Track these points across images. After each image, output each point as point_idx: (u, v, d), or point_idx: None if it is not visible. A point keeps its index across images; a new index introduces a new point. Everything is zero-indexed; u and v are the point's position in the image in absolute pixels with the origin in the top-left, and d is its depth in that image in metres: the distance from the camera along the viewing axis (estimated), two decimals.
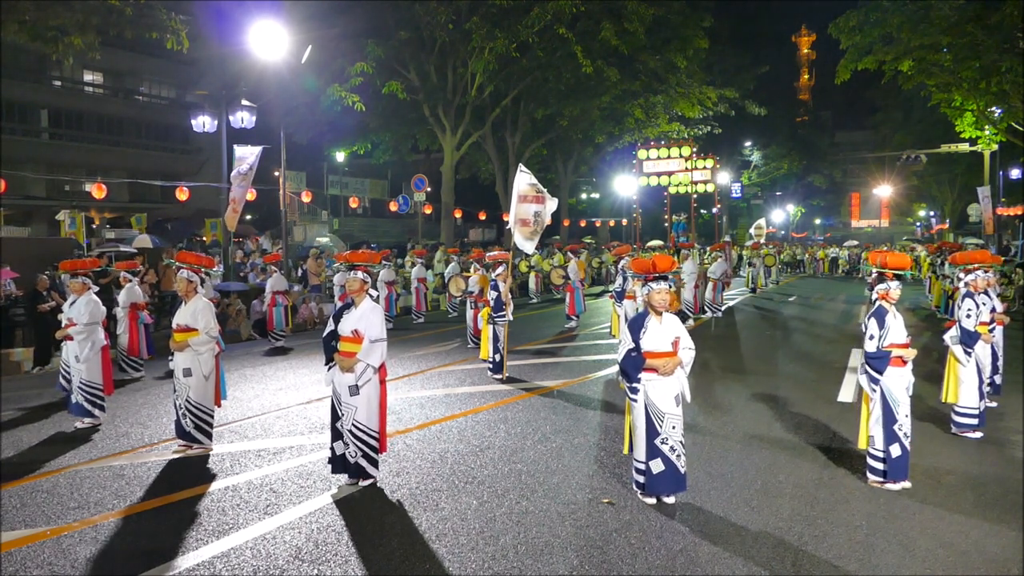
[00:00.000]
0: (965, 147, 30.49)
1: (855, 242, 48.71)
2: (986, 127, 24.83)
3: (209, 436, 6.88)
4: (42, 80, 35.22)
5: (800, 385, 9.69)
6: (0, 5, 11.94)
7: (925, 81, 22.03)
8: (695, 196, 36.91)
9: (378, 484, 5.82)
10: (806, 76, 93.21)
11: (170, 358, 7.17)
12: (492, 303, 10.27)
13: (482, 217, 42.14)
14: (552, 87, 25.50)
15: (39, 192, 33.84)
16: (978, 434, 7.01)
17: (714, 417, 7.91)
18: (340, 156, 34.92)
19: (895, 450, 5.59)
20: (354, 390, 5.64)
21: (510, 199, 10.59)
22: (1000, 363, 8.12)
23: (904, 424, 5.61)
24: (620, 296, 12.43)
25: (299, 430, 7.60)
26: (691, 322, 15.72)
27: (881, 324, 5.68)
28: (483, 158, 32.38)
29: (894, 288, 5.76)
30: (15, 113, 33.83)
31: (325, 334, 5.90)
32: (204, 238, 25.74)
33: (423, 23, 22.56)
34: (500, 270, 10.59)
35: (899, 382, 5.64)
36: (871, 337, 5.70)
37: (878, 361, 5.66)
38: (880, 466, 5.66)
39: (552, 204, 10.30)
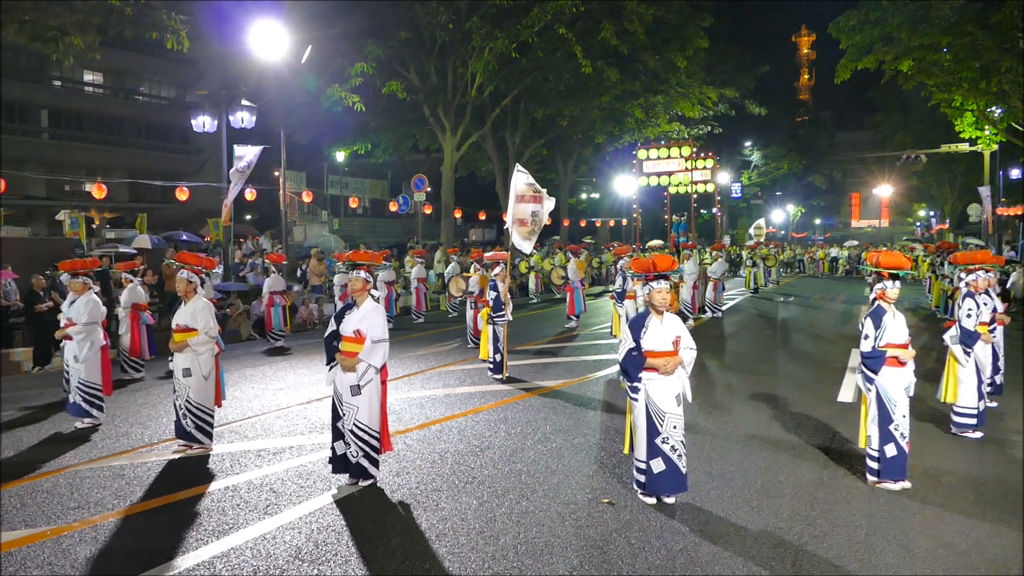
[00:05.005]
0: (965, 147, 30.49)
1: (855, 242, 48.71)
2: (986, 127, 24.84)
3: (210, 436, 6.88)
4: (42, 80, 35.23)
5: (800, 385, 9.69)
6: (0, 5, 11.94)
7: (925, 81, 22.02)
8: (695, 196, 36.93)
9: (378, 484, 5.82)
10: (806, 76, 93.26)
11: (170, 358, 7.17)
12: (491, 303, 10.27)
13: (482, 217, 42.14)
14: (552, 87, 25.49)
15: (39, 192, 33.85)
16: (978, 434, 7.01)
17: (714, 417, 7.91)
18: (340, 156, 34.87)
19: (890, 450, 5.59)
20: (356, 390, 5.64)
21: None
22: (1001, 363, 8.12)
23: (901, 424, 5.60)
24: (621, 296, 12.44)
25: (299, 430, 7.60)
26: (691, 322, 15.73)
27: (877, 324, 5.68)
28: (483, 158, 32.36)
29: (891, 288, 5.75)
30: (15, 113, 33.84)
31: (327, 334, 5.90)
32: (207, 238, 25.76)
33: (423, 23, 22.54)
34: (498, 270, 10.60)
35: (896, 382, 5.64)
36: (866, 337, 5.70)
37: (873, 361, 5.66)
38: (875, 465, 5.66)
39: (550, 204, 10.29)
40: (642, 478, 5.33)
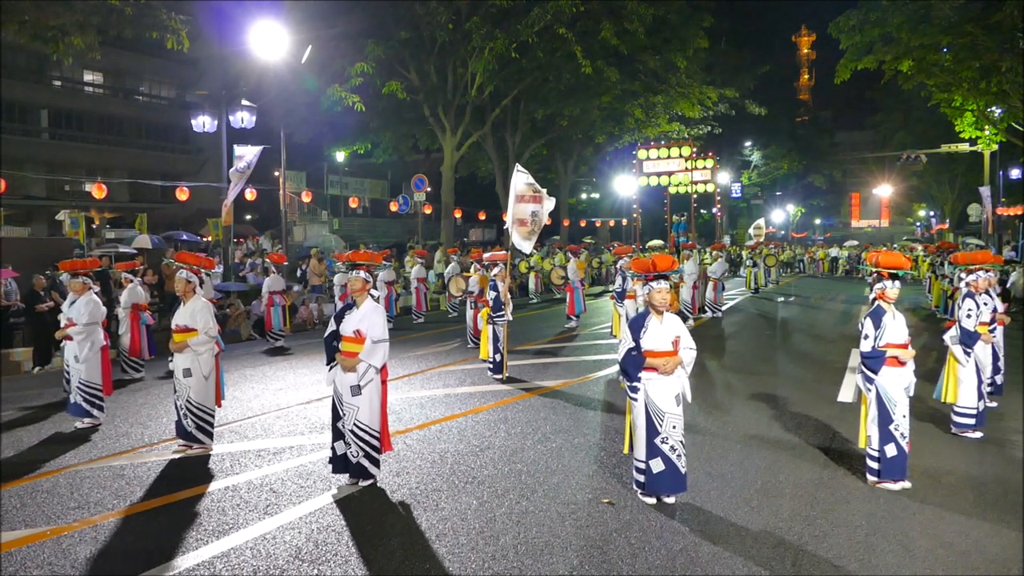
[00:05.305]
0: (965, 147, 30.48)
1: (855, 242, 48.73)
2: (986, 127, 24.82)
3: (210, 436, 6.88)
4: (42, 80, 35.24)
5: (800, 385, 9.69)
6: (0, 5, 11.94)
7: (925, 81, 22.00)
8: (695, 196, 36.93)
9: (378, 484, 5.82)
10: (806, 76, 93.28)
11: (170, 359, 7.17)
12: (491, 303, 10.27)
13: (482, 217, 42.15)
14: (552, 87, 25.50)
15: (39, 192, 33.86)
16: (978, 434, 7.01)
17: (714, 417, 7.91)
18: (340, 156, 34.89)
19: (890, 450, 5.59)
20: (356, 390, 5.64)
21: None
22: (1001, 363, 8.12)
23: (901, 424, 5.60)
24: (621, 296, 12.44)
25: (299, 430, 7.60)
26: (691, 322, 15.72)
27: (877, 324, 5.67)
28: (483, 158, 32.37)
29: (891, 287, 5.74)
30: (15, 113, 33.84)
31: (327, 334, 5.90)
32: (208, 238, 25.75)
33: (423, 23, 22.53)
34: (496, 270, 10.60)
35: (896, 382, 5.64)
36: (866, 337, 5.70)
37: (873, 361, 5.65)
38: (875, 465, 5.66)
39: (550, 204, 10.29)
40: (642, 478, 5.33)
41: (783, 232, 61.62)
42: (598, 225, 47.69)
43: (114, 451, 6.96)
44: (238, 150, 17.59)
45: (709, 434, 7.21)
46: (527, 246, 10.40)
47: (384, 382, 5.83)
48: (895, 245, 39.21)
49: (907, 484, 5.62)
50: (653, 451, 5.22)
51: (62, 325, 8.04)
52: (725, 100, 31.77)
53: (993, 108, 22.96)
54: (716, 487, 5.71)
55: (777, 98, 49.30)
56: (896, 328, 5.67)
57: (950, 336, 7.10)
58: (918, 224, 65.95)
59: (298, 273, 21.53)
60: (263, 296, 14.46)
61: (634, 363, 5.28)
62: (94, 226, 29.09)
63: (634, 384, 5.29)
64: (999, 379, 8.07)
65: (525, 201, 10.18)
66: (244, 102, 18.41)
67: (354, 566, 4.45)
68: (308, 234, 32.54)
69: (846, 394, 8.93)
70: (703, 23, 27.60)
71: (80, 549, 4.74)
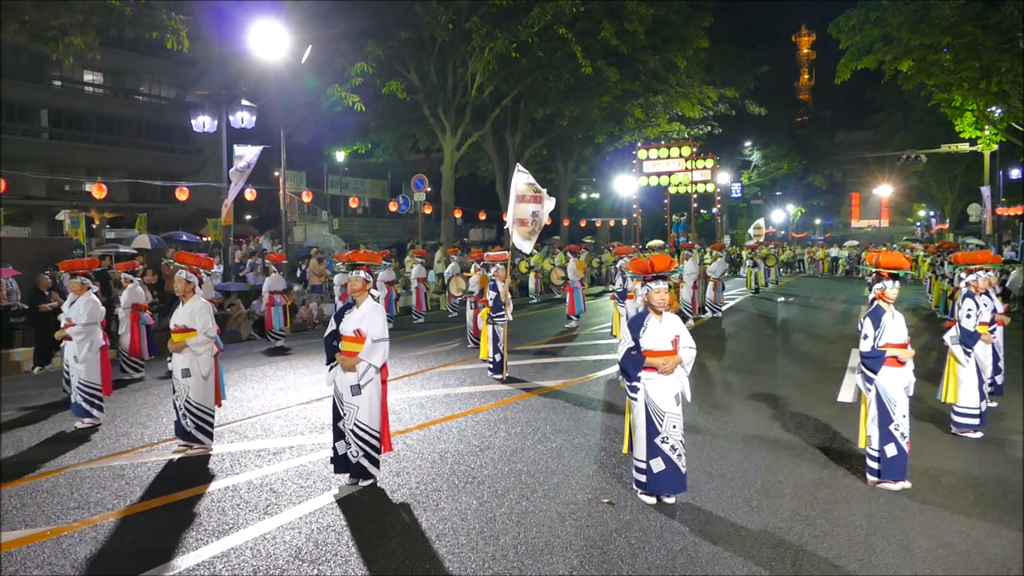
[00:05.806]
0: (965, 147, 30.50)
1: (855, 242, 48.74)
2: (986, 127, 24.84)
3: (210, 436, 6.87)
4: (42, 80, 35.22)
5: (800, 385, 9.69)
6: (0, 5, 11.95)
7: (925, 81, 22.03)
8: (695, 196, 36.94)
9: (378, 484, 5.82)
10: (806, 76, 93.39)
11: (169, 359, 7.17)
12: (491, 303, 10.28)
13: (482, 217, 42.15)
14: (552, 87, 25.51)
15: (39, 192, 33.84)
16: (978, 434, 7.01)
17: (714, 417, 7.90)
18: (340, 156, 34.91)
19: (890, 450, 5.59)
20: (356, 390, 5.65)
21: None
22: (1001, 363, 8.11)
23: (901, 424, 5.60)
24: (622, 296, 12.44)
25: (299, 430, 7.60)
26: (691, 322, 15.72)
27: (876, 324, 5.67)
28: (483, 158, 32.38)
29: (890, 287, 5.74)
30: (15, 113, 33.83)
31: (327, 334, 5.90)
32: (208, 238, 25.74)
33: (423, 23, 22.54)
34: (494, 270, 10.60)
35: (896, 382, 5.63)
36: (865, 337, 5.70)
37: (872, 361, 5.65)
38: (875, 465, 5.66)
39: (550, 203, 10.30)
40: (642, 478, 5.32)
41: (783, 232, 61.63)
42: (598, 225, 47.69)
43: (114, 451, 6.96)
44: (238, 150, 17.59)
45: (709, 434, 7.21)
46: (527, 246, 10.40)
47: (384, 382, 5.83)
48: (895, 245, 39.21)
49: (907, 484, 5.62)
50: (653, 451, 5.22)
51: (62, 325, 8.04)
52: (725, 100, 31.78)
53: (993, 108, 22.97)
54: (716, 487, 5.71)
55: (777, 98, 49.37)
56: (896, 328, 5.67)
57: (950, 336, 7.10)
58: (918, 224, 65.96)
59: (298, 273, 21.54)
60: (263, 296, 14.46)
61: (634, 363, 5.28)
62: (94, 226, 29.06)
63: (634, 384, 5.29)
64: (999, 379, 8.07)
65: (525, 201, 10.19)
66: (244, 102, 18.42)
67: (354, 566, 4.45)
68: (308, 234, 32.53)
69: (846, 394, 8.92)
70: (703, 23, 27.63)
71: (80, 549, 4.74)
